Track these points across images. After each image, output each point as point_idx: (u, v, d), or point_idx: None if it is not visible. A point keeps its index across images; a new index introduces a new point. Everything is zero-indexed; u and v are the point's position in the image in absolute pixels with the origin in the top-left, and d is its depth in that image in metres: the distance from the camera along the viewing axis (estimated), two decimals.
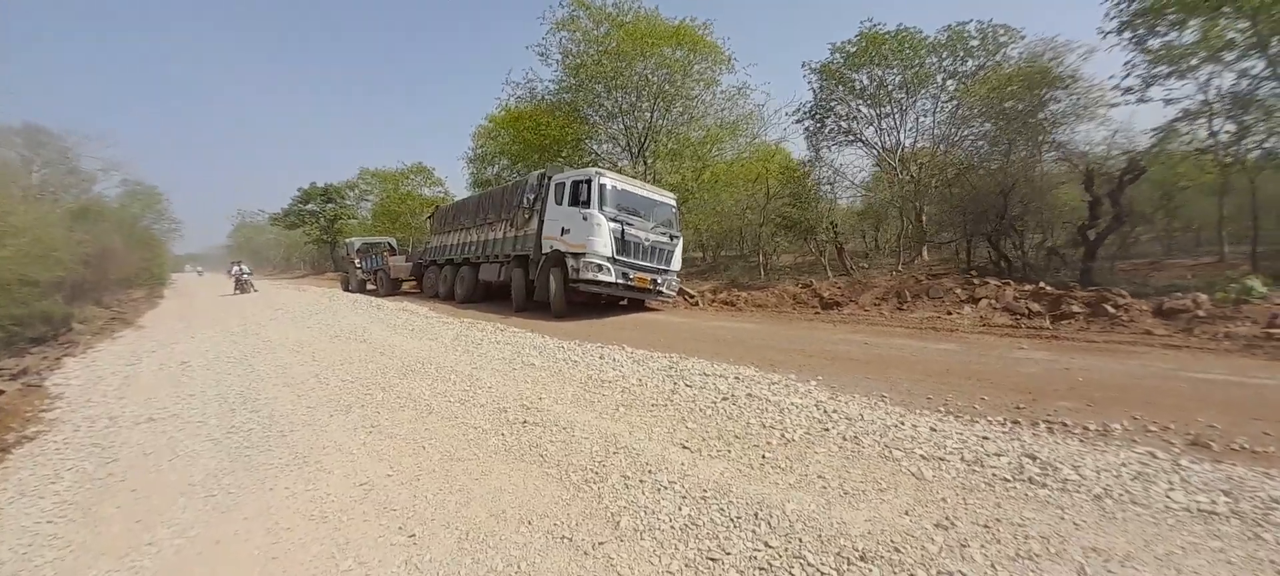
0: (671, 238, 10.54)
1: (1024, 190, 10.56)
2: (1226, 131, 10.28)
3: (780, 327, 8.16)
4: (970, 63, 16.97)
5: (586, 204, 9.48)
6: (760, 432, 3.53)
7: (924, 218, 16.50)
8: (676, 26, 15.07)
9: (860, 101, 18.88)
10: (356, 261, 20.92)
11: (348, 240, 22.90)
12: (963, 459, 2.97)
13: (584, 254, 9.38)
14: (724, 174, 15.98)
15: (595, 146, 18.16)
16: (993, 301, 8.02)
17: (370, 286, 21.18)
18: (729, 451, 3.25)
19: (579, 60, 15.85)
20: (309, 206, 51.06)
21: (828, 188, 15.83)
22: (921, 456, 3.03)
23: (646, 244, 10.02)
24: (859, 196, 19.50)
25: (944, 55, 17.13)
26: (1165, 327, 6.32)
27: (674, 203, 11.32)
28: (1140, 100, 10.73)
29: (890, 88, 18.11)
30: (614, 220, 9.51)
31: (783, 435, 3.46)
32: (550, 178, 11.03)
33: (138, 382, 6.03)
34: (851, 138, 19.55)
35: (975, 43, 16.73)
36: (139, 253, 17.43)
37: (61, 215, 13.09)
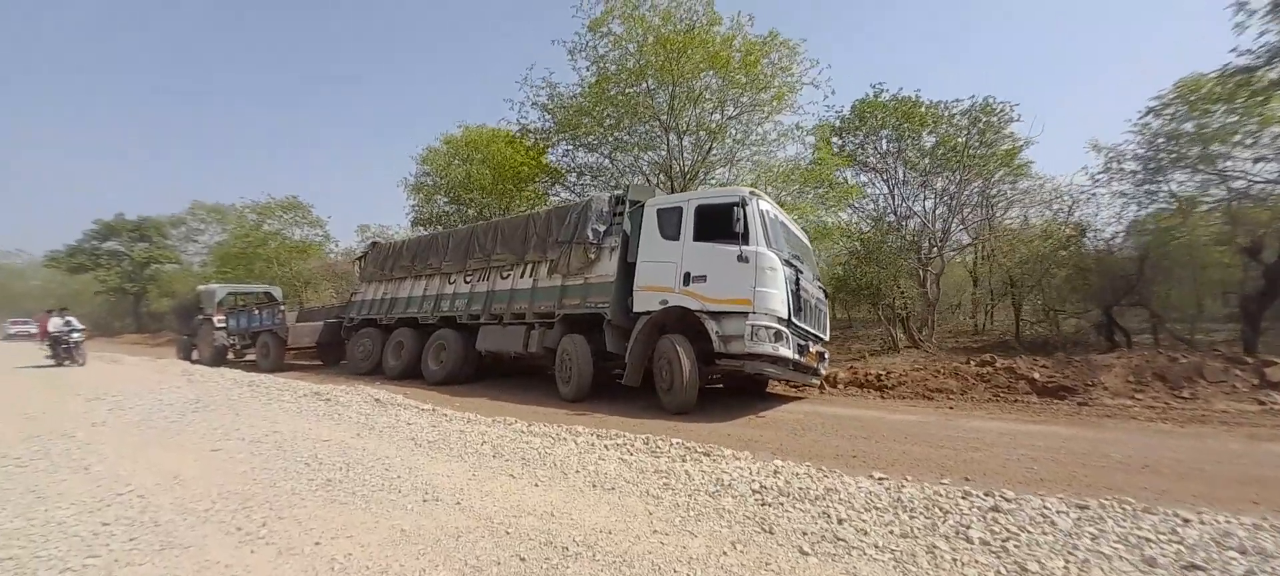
0: (826, 294, 7.51)
1: (1158, 254, 9.50)
2: None
3: (1111, 434, 5.37)
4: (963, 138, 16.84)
5: (743, 238, 6.13)
6: None
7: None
8: (764, 39, 11.86)
9: (860, 166, 18.15)
10: (219, 320, 14.25)
11: (203, 288, 15.90)
12: None
13: (752, 312, 5.91)
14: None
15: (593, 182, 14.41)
16: None
17: (233, 355, 14.68)
18: None
19: (607, 72, 12.30)
20: (108, 244, 39.00)
21: (904, 243, 13.78)
22: None
23: (814, 303, 6.85)
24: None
25: (941, 127, 16.87)
26: None
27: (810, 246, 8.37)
28: None
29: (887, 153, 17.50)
30: (787, 264, 6.26)
31: None
32: (639, 202, 7.52)
33: None
34: (848, 203, 18.63)
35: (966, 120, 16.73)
36: None
37: None
